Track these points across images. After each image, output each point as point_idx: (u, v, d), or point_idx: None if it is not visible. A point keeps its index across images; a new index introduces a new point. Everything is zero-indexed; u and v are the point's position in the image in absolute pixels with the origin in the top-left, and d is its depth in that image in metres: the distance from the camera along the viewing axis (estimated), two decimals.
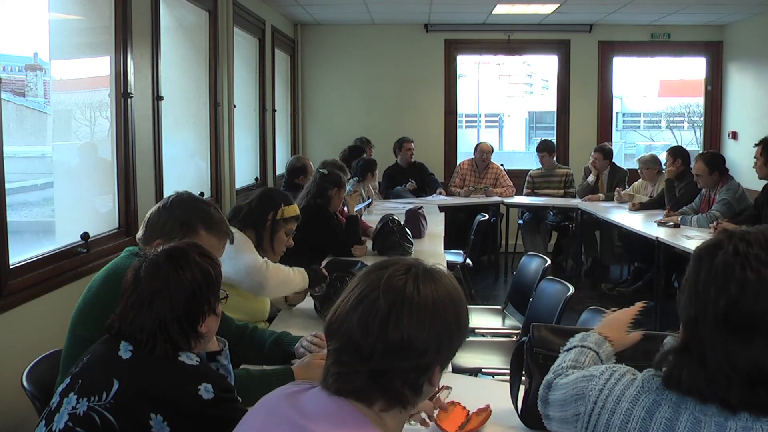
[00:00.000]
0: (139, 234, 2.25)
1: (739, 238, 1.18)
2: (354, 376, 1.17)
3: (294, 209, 3.04)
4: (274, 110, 7.11)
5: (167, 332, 1.64)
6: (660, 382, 1.22)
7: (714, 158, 5.69)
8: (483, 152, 7.65)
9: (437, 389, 1.25)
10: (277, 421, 1.21)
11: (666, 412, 1.19)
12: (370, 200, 6.29)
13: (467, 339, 3.75)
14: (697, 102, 11.17)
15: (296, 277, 2.91)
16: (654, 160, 6.76)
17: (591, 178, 7.37)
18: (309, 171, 5.30)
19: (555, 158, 7.77)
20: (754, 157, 5.26)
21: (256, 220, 2.95)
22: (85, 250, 3.27)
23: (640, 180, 7.00)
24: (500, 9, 7.39)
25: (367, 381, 1.17)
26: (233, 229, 2.81)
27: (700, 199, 5.75)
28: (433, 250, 4.59)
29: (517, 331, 3.80)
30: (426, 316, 1.18)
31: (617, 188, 7.13)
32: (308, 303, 3.04)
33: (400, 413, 1.22)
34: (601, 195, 7.19)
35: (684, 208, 5.80)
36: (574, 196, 7.48)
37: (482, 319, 4.24)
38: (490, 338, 3.92)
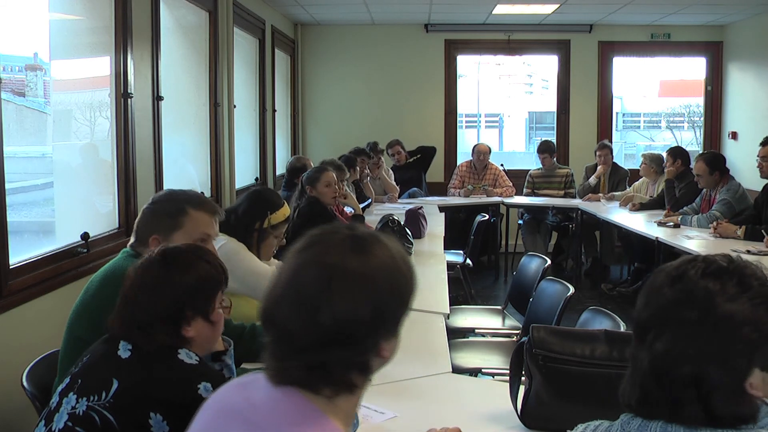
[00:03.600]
0: (130, 241, 2.26)
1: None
2: (291, 371, 1.11)
3: (283, 213, 2.96)
4: (274, 110, 7.11)
5: (149, 331, 1.64)
6: (640, 422, 1.18)
7: (715, 158, 5.69)
8: (480, 153, 7.65)
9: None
10: (227, 414, 1.17)
11: None
12: (369, 200, 6.29)
13: (468, 339, 3.78)
14: (697, 102, 11.16)
15: None
16: (658, 161, 6.75)
17: (593, 180, 7.37)
18: None
19: (555, 159, 7.78)
20: (758, 156, 5.24)
21: (243, 231, 2.87)
22: (85, 250, 3.26)
23: (640, 180, 7.00)
24: (500, 9, 7.39)
25: (306, 373, 1.11)
26: (225, 237, 2.80)
27: (701, 200, 5.74)
28: (433, 250, 4.59)
29: (517, 332, 3.80)
30: (357, 292, 1.10)
31: (611, 193, 7.14)
32: None
33: (353, 394, 1.15)
34: (601, 195, 7.19)
35: (685, 208, 5.79)
36: (574, 197, 7.48)
37: (482, 319, 4.24)
38: (490, 338, 3.92)
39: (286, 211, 3.00)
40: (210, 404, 1.24)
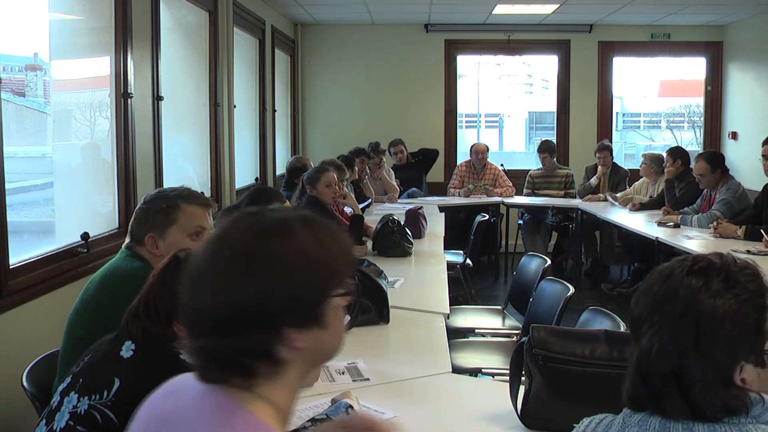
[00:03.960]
0: (126, 242, 2.26)
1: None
2: (207, 364, 1.06)
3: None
4: (274, 110, 7.11)
5: (142, 321, 1.64)
6: (642, 415, 1.21)
7: (715, 156, 5.69)
8: (478, 152, 7.65)
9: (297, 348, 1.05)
10: (156, 422, 1.12)
11: None
12: (369, 200, 6.29)
13: (468, 339, 3.78)
14: (697, 102, 11.16)
15: None
16: (659, 161, 6.75)
17: (594, 180, 7.37)
18: None
19: (555, 159, 7.78)
20: (763, 155, 5.24)
21: None
22: (85, 250, 3.26)
23: (640, 180, 7.00)
24: (500, 9, 7.39)
25: (209, 363, 1.05)
26: None
27: (702, 200, 5.74)
28: (433, 250, 4.59)
29: (517, 332, 3.80)
30: (239, 276, 1.02)
31: (609, 192, 7.14)
32: None
33: (274, 382, 1.06)
34: (601, 195, 7.19)
35: (686, 209, 5.79)
36: (574, 197, 7.48)
37: (482, 319, 4.24)
38: (490, 338, 3.92)
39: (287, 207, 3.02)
40: (141, 413, 1.18)
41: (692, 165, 6.38)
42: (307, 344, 1.05)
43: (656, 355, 1.15)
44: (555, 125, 8.89)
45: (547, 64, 10.00)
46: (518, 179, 7.79)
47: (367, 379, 2.27)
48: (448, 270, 4.05)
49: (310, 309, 1.05)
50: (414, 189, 7.45)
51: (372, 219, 4.94)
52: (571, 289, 3.21)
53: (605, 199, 7.10)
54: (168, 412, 1.10)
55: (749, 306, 1.14)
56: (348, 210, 5.05)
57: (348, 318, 2.52)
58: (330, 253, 1.08)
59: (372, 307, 2.84)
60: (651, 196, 6.68)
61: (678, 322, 1.15)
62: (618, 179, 7.37)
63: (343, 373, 2.31)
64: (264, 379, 1.05)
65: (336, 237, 1.10)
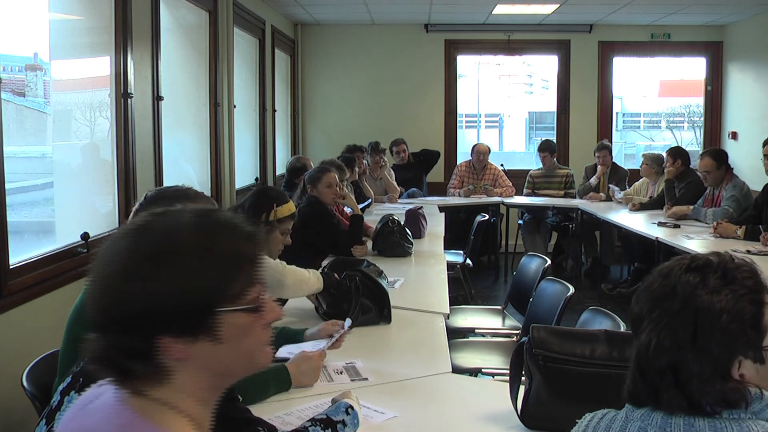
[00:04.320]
0: None
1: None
2: (90, 360, 1.02)
3: (288, 208, 2.99)
4: (274, 110, 7.11)
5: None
6: (644, 410, 1.22)
7: (720, 153, 5.69)
8: (479, 153, 7.66)
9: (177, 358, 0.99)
10: None
11: None
12: (369, 200, 6.29)
13: (468, 339, 3.78)
14: (697, 102, 11.17)
15: (312, 276, 2.89)
16: (659, 161, 6.76)
17: (594, 180, 7.37)
18: None
19: (556, 159, 7.78)
20: (764, 155, 5.25)
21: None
22: (85, 250, 3.26)
23: (640, 180, 7.00)
24: (500, 9, 7.39)
25: (95, 360, 1.01)
26: None
27: (704, 200, 5.74)
28: (433, 251, 4.59)
29: (517, 332, 3.80)
30: (101, 278, 0.99)
31: (610, 185, 7.15)
32: (307, 301, 3.04)
33: (176, 390, 1.00)
34: (602, 195, 7.20)
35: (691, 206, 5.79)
36: (574, 197, 7.48)
37: (482, 319, 4.24)
38: (490, 338, 3.92)
39: (291, 207, 3.02)
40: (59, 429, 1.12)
41: (692, 165, 6.40)
42: (191, 356, 0.99)
43: (654, 350, 1.17)
44: (555, 125, 8.89)
45: (547, 64, 10.01)
46: (518, 179, 7.79)
47: (366, 379, 2.27)
48: (448, 270, 4.05)
49: (189, 320, 0.97)
50: (414, 189, 7.45)
51: (372, 219, 4.94)
52: (571, 289, 3.21)
53: (607, 198, 7.10)
54: (77, 426, 1.05)
55: (746, 301, 1.16)
56: (348, 210, 5.05)
57: (348, 322, 2.51)
58: (217, 265, 0.98)
59: (372, 307, 2.84)
60: (651, 196, 6.68)
61: (676, 317, 1.17)
62: (617, 179, 7.37)
63: (341, 372, 2.31)
64: (151, 383, 0.99)
65: (231, 246, 1.01)
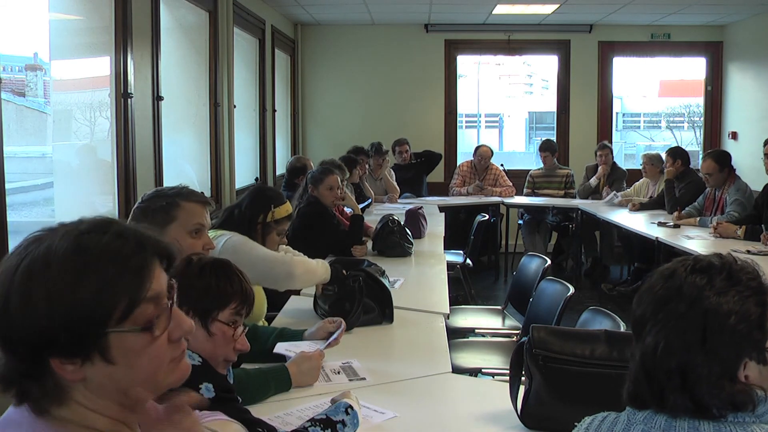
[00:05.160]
0: None
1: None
2: None
3: (286, 209, 2.98)
4: (274, 110, 7.11)
5: None
6: (646, 413, 1.21)
7: (723, 155, 5.68)
8: (482, 157, 7.67)
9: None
10: None
11: None
12: (369, 200, 6.29)
13: (468, 339, 3.78)
14: (697, 102, 11.17)
15: (319, 266, 2.88)
16: (659, 159, 6.77)
17: (594, 180, 7.38)
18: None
19: (556, 158, 7.79)
20: (765, 154, 5.24)
21: (247, 224, 2.90)
22: None
23: (640, 180, 7.00)
24: (500, 9, 7.39)
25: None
26: (229, 233, 2.81)
27: (704, 199, 5.73)
28: (433, 250, 4.59)
29: (517, 332, 3.80)
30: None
31: (606, 186, 7.15)
32: (306, 302, 3.04)
33: (68, 405, 0.97)
34: (605, 192, 7.21)
35: (687, 208, 5.79)
36: (574, 197, 7.49)
37: (482, 319, 4.24)
38: (490, 338, 3.92)
39: (288, 207, 3.02)
40: None
41: (692, 165, 6.40)
42: (84, 377, 0.95)
43: (662, 352, 1.17)
44: (555, 125, 8.89)
45: (547, 64, 10.01)
46: (518, 179, 7.79)
47: (363, 379, 2.27)
48: (448, 270, 4.05)
49: (73, 342, 0.92)
50: (407, 194, 7.42)
51: (372, 219, 4.94)
52: (571, 289, 3.21)
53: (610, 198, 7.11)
54: None
55: (752, 303, 1.16)
56: (348, 210, 5.05)
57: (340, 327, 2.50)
58: (91, 284, 0.93)
59: (375, 307, 2.84)
60: (651, 196, 6.68)
61: (683, 318, 1.16)
62: (614, 178, 7.38)
63: (338, 372, 2.31)
64: (51, 402, 0.96)
65: (108, 264, 0.94)
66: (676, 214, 5.74)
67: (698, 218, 5.56)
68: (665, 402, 1.17)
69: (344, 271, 2.92)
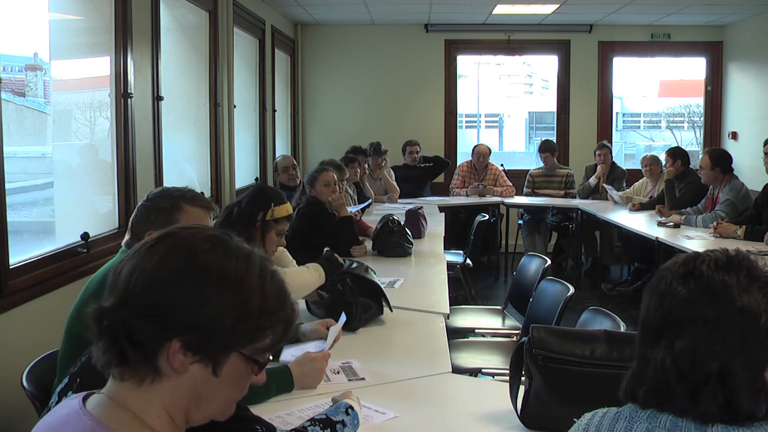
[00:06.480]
0: (125, 239, 2.26)
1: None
2: (99, 337, 1.04)
3: (286, 209, 2.96)
4: (274, 110, 7.11)
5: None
6: (649, 412, 1.18)
7: (718, 155, 5.67)
8: (480, 155, 7.67)
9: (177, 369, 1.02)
10: None
11: None
12: (369, 200, 6.29)
13: (468, 339, 3.78)
14: (697, 102, 11.16)
15: (313, 276, 2.86)
16: (657, 160, 6.78)
17: (593, 180, 7.38)
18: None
19: (556, 158, 7.79)
20: (765, 153, 5.24)
21: (246, 222, 2.87)
22: (85, 250, 3.26)
23: (640, 180, 7.00)
24: (500, 9, 7.39)
25: (105, 338, 1.02)
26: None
27: (706, 200, 5.74)
28: (433, 250, 4.59)
29: (517, 332, 3.80)
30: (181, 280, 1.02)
31: (604, 184, 7.16)
32: (300, 303, 3.04)
33: (150, 390, 1.03)
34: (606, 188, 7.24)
35: (688, 209, 5.79)
36: (574, 197, 7.49)
37: (482, 319, 4.24)
38: (490, 338, 3.92)
39: (289, 208, 3.00)
40: None
41: (692, 165, 6.41)
42: (187, 372, 1.02)
43: (703, 357, 1.11)
44: (555, 125, 8.89)
45: (547, 64, 10.01)
46: (518, 179, 7.79)
47: (363, 379, 2.27)
48: (448, 270, 4.05)
49: (208, 341, 1.02)
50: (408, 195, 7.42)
51: (372, 219, 4.94)
52: (571, 289, 3.21)
53: (604, 199, 7.11)
54: None
55: None
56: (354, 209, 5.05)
57: (343, 317, 2.50)
58: (260, 303, 1.04)
59: (371, 303, 2.84)
60: (651, 196, 6.68)
61: (718, 321, 1.11)
62: (614, 177, 7.38)
63: (338, 372, 2.31)
64: (136, 378, 1.02)
65: (284, 304, 1.07)
66: (658, 208, 5.79)
67: (684, 216, 5.58)
68: (695, 407, 1.12)
69: (338, 257, 2.93)
